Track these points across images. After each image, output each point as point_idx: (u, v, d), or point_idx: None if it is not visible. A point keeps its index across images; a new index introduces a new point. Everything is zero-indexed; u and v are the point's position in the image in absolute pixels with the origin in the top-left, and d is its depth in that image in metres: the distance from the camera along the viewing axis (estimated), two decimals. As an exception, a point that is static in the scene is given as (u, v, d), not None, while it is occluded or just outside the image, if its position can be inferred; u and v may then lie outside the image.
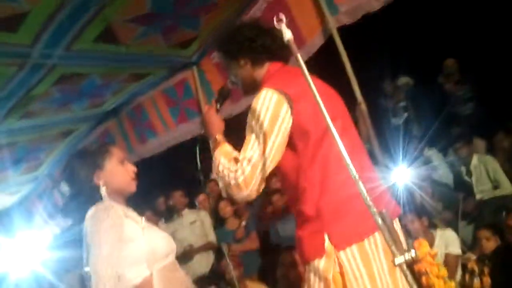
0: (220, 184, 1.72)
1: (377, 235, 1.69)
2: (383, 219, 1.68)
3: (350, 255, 1.68)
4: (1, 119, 3.92)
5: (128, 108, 4.91)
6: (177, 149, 4.98)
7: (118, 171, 1.84)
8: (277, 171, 1.80)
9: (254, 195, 1.69)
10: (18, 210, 6.32)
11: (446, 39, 5.76)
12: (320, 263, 1.68)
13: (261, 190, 1.71)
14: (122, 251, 1.62)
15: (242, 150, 1.69)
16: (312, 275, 1.72)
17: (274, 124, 1.67)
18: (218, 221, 5.01)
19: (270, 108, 1.68)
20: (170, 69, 4.48)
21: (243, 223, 4.81)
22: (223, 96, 1.92)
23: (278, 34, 1.68)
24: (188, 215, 5.05)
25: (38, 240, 6.28)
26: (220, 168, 1.70)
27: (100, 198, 1.77)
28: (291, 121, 1.70)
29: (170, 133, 4.75)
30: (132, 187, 1.88)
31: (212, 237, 4.96)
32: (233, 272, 3.58)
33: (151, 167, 5.26)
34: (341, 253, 1.67)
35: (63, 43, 3.20)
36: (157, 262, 1.71)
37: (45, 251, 6.18)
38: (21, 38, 3.00)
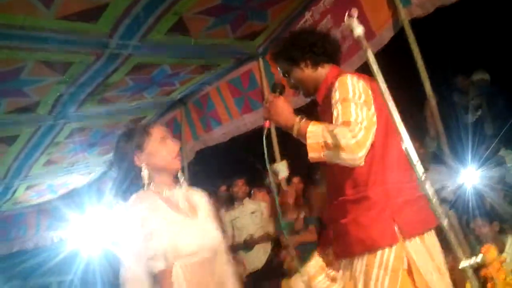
0: (328, 151, 1.68)
1: (433, 232, 1.78)
2: (449, 220, 1.65)
3: (416, 247, 1.72)
4: (79, 105, 4.20)
5: (195, 98, 5.05)
6: (240, 139, 5.07)
7: (158, 151, 1.82)
8: None
9: (362, 161, 1.67)
10: (90, 190, 6.71)
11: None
12: (390, 256, 1.70)
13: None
14: (138, 246, 1.63)
15: (342, 117, 1.70)
16: (375, 269, 1.71)
17: (370, 99, 1.74)
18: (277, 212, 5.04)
19: (361, 86, 1.76)
20: (237, 60, 4.55)
21: (302, 215, 4.82)
22: (279, 91, 1.95)
23: (334, 39, 2.00)
24: (249, 204, 5.13)
25: (107, 219, 6.65)
26: (328, 135, 1.68)
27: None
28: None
29: (234, 122, 4.84)
30: (174, 165, 1.85)
31: (271, 228, 5.02)
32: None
33: (215, 155, 5.39)
34: (408, 244, 1.72)
35: (138, 34, 3.36)
36: (180, 258, 1.65)
37: (114, 230, 6.52)
38: (100, 29, 3.18)
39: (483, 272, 2.00)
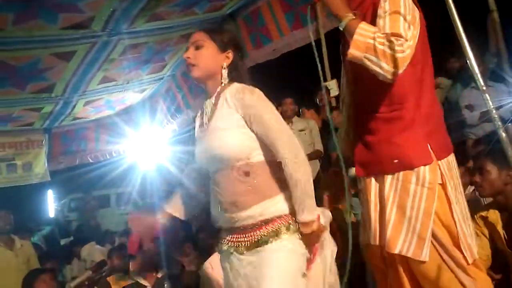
0: (371, 55, 1.65)
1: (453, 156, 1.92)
2: (507, 133, 1.65)
3: (446, 166, 1.83)
4: (132, 21, 4.23)
5: (245, 13, 4.95)
6: (290, 56, 5.01)
7: None
8: None
9: (395, 78, 1.68)
10: (144, 107, 6.96)
11: None
12: (426, 172, 1.77)
13: None
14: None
15: (391, 28, 1.66)
16: (413, 184, 1.77)
17: (415, 20, 1.73)
18: (328, 131, 5.08)
19: (411, 4, 1.74)
20: (289, -28, 4.39)
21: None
22: None
23: None
24: (297, 122, 5.19)
25: (160, 135, 6.96)
26: (380, 40, 1.64)
27: None
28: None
29: (285, 39, 4.74)
30: (190, 73, 1.81)
31: (319, 145, 5.09)
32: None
33: (264, 73, 5.38)
34: (440, 163, 1.81)
35: None
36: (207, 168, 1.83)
37: (166, 146, 6.86)
38: None
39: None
